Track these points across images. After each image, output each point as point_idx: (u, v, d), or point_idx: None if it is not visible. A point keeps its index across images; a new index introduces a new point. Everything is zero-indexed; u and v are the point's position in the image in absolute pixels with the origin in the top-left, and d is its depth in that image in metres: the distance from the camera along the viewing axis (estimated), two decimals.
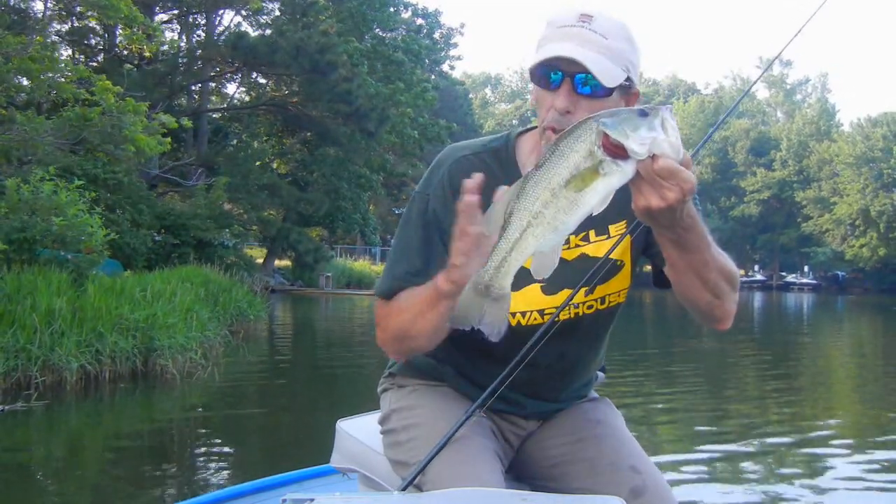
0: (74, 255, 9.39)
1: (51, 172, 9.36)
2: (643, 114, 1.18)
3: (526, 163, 1.63)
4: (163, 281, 11.47)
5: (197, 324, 10.40)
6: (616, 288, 1.67)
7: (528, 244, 1.22)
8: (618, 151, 1.17)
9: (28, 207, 8.99)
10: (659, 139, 1.17)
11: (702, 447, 6.59)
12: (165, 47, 17.22)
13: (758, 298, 43.26)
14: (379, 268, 32.82)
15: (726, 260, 1.47)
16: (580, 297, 1.61)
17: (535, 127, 1.64)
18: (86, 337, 8.23)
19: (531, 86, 1.59)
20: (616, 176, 1.18)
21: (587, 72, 1.44)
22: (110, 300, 9.04)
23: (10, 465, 5.56)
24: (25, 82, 10.59)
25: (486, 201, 1.57)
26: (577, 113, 1.46)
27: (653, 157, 1.17)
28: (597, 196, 1.19)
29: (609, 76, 1.45)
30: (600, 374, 1.90)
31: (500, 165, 1.62)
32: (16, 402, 7.00)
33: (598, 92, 1.47)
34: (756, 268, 65.75)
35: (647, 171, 1.19)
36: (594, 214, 1.21)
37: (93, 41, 19.78)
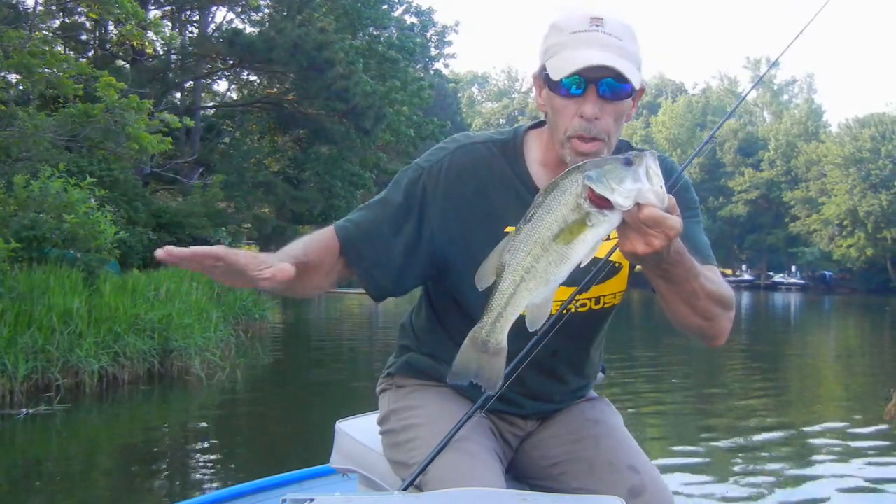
0: (84, 254, 9.29)
1: (60, 169, 9.24)
2: (627, 163, 1.19)
3: (532, 159, 1.63)
4: (170, 280, 11.44)
5: (213, 324, 10.37)
6: (612, 290, 1.68)
7: (521, 298, 1.26)
8: (603, 203, 1.19)
9: (37, 205, 8.89)
10: (644, 190, 1.18)
11: (697, 446, 6.64)
12: (159, 43, 17.07)
13: (745, 298, 43.41)
14: None
15: (717, 285, 1.48)
16: (576, 296, 1.61)
17: (544, 122, 1.64)
18: (103, 338, 8.15)
19: (538, 90, 1.58)
20: (603, 226, 1.21)
21: (617, 77, 1.45)
22: (125, 300, 8.98)
23: (32, 470, 5.50)
24: (14, 79, 10.51)
25: (488, 191, 1.60)
26: (603, 117, 1.48)
27: (638, 206, 1.19)
28: (586, 247, 1.22)
29: (635, 79, 1.46)
30: (600, 374, 1.90)
31: (507, 157, 1.63)
32: (38, 405, 6.92)
33: (620, 95, 1.48)
34: (744, 267, 65.89)
35: (632, 219, 1.21)
36: (582, 265, 1.24)
37: (83, 37, 19.61)
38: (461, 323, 1.66)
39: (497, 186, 1.61)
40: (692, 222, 1.59)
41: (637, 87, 1.48)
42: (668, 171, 1.61)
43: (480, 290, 1.29)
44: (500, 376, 1.34)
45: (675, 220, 1.21)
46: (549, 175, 1.61)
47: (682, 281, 1.38)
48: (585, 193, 1.19)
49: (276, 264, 1.35)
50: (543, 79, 1.53)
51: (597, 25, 1.46)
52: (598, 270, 1.58)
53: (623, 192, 1.18)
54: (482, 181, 1.61)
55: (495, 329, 1.29)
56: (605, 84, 1.46)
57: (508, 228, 1.58)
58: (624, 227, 1.23)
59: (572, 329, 1.64)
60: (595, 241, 1.22)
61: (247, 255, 1.35)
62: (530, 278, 1.24)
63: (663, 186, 1.21)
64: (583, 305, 1.66)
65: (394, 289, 1.64)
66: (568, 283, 1.56)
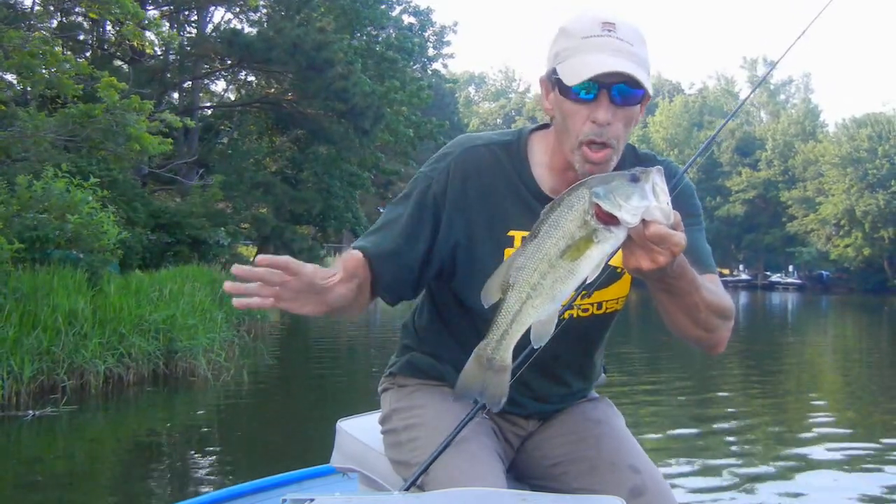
0: (87, 255, 9.24)
1: (63, 169, 9.20)
2: (634, 179, 1.19)
3: (537, 162, 1.63)
4: (172, 280, 11.36)
5: (218, 325, 10.37)
6: (614, 295, 1.68)
7: (527, 316, 1.25)
8: (610, 219, 1.19)
9: (39, 205, 8.82)
10: (651, 207, 1.18)
11: (697, 447, 6.64)
12: (158, 43, 17.03)
13: (743, 298, 43.44)
14: None
15: (718, 296, 1.48)
16: (577, 300, 1.62)
17: (548, 125, 1.64)
18: (108, 339, 8.12)
19: (546, 93, 1.56)
20: (609, 243, 1.21)
21: (629, 83, 1.44)
22: (129, 301, 8.95)
23: (38, 472, 5.46)
24: (11, 78, 10.48)
25: (492, 194, 1.60)
26: (615, 123, 1.47)
27: (644, 223, 1.19)
28: (592, 263, 1.22)
29: (647, 84, 1.46)
30: (601, 375, 1.91)
31: (511, 159, 1.63)
32: (44, 407, 6.88)
33: (632, 101, 1.47)
34: (741, 267, 65.95)
35: (638, 236, 1.21)
36: (588, 281, 1.24)
37: (81, 37, 19.55)
38: (464, 323, 1.68)
39: (501, 190, 1.60)
40: (694, 229, 1.59)
41: (649, 92, 1.48)
42: (671, 176, 1.61)
43: (486, 307, 1.28)
44: (505, 393, 1.33)
45: (681, 237, 1.21)
46: (554, 179, 1.61)
47: (683, 294, 1.39)
48: (592, 210, 1.19)
49: (338, 270, 1.36)
50: (553, 82, 1.51)
51: (609, 30, 1.45)
52: (600, 275, 1.59)
53: (630, 210, 1.17)
54: (486, 184, 1.61)
55: (500, 346, 1.29)
56: (618, 90, 1.45)
57: (511, 232, 1.59)
58: (629, 243, 1.23)
59: (575, 333, 1.64)
60: (601, 257, 1.22)
61: (311, 266, 1.34)
62: (536, 295, 1.24)
63: (670, 203, 1.21)
64: (585, 310, 1.66)
65: (411, 296, 1.66)
66: None
